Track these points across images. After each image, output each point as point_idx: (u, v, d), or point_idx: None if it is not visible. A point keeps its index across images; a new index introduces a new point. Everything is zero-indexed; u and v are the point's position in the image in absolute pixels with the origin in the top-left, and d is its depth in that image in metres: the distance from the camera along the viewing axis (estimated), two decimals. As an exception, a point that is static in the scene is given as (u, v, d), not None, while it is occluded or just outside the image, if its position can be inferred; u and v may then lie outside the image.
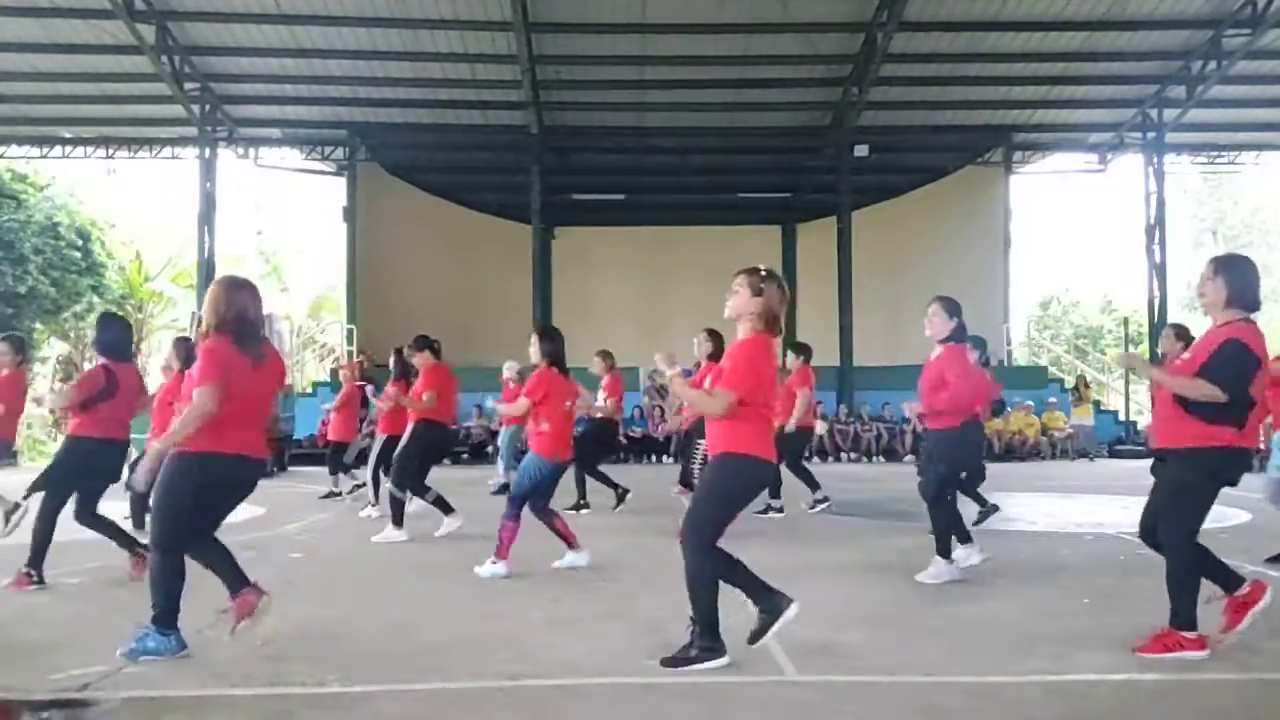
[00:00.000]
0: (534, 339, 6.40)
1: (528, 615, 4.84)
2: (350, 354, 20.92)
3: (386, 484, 8.54)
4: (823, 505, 9.23)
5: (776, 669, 3.87)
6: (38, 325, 23.58)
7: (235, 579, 4.16)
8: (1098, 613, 4.89)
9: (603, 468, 9.85)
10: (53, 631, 4.55)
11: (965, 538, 6.01)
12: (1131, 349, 28.17)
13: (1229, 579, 4.10)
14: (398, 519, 7.67)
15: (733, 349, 4.14)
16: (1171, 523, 4.09)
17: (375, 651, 4.13)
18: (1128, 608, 4.97)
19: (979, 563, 5.90)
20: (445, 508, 7.80)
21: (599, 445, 10.02)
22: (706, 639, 3.92)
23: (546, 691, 3.58)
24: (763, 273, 4.17)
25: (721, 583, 3.96)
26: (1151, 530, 4.22)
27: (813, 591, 5.37)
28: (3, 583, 5.64)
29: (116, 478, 6.06)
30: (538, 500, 6.18)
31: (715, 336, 7.88)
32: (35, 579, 5.63)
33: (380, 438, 9.17)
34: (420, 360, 8.22)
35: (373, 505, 9.26)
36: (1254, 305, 4.12)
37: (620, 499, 9.56)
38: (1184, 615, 4.00)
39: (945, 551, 5.79)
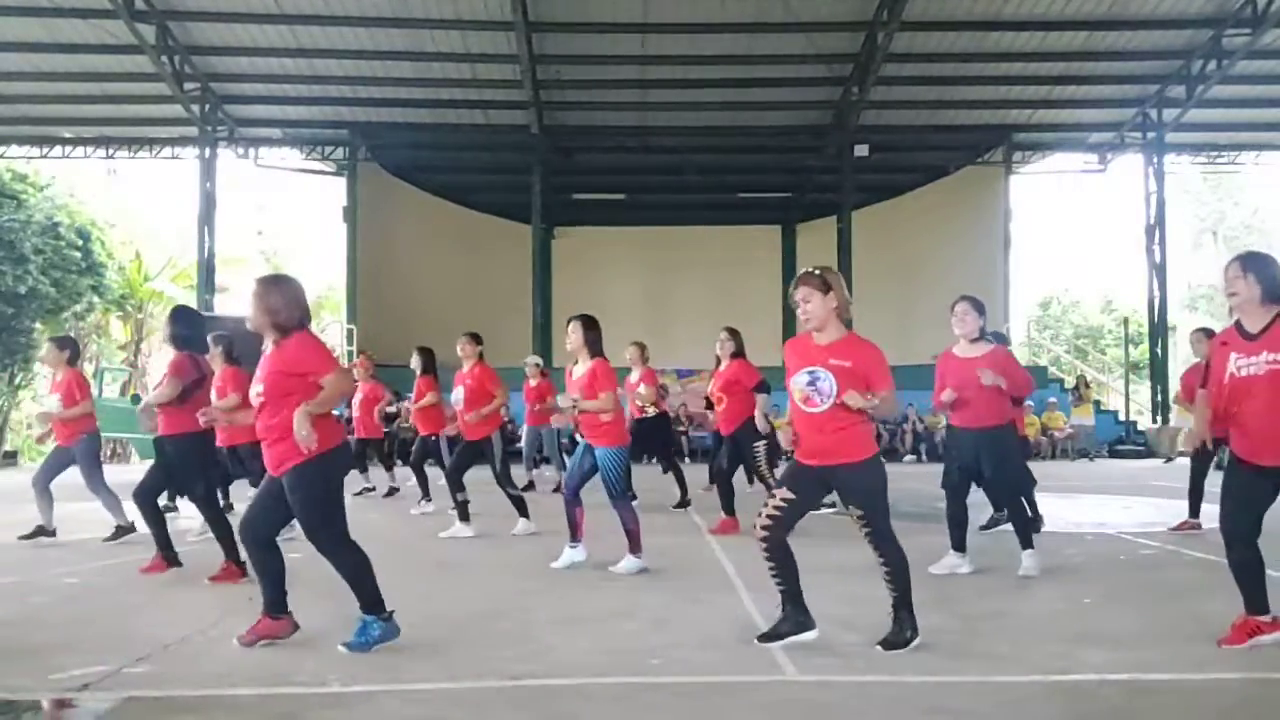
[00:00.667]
0: (579, 327, 6.13)
1: (532, 615, 4.83)
2: (351, 354, 20.92)
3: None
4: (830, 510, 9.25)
5: (778, 669, 3.86)
6: (38, 325, 23.54)
7: (279, 600, 4.24)
8: (1100, 612, 4.88)
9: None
10: (53, 631, 4.54)
11: (961, 546, 5.98)
12: (1131, 349, 28.17)
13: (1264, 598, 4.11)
14: (523, 510, 7.79)
15: (858, 350, 4.16)
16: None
17: (377, 651, 4.11)
18: (1129, 607, 4.97)
19: (966, 573, 5.88)
20: (465, 515, 7.80)
21: (664, 437, 10.14)
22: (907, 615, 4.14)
23: (549, 691, 3.57)
24: (816, 271, 4.23)
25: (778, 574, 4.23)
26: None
27: (813, 591, 5.36)
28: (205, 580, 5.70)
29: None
30: (577, 486, 6.12)
31: (736, 335, 7.92)
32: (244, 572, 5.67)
33: (428, 439, 9.26)
34: (472, 354, 8.03)
35: (426, 500, 9.48)
36: None
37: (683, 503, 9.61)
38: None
39: (1029, 541, 5.94)
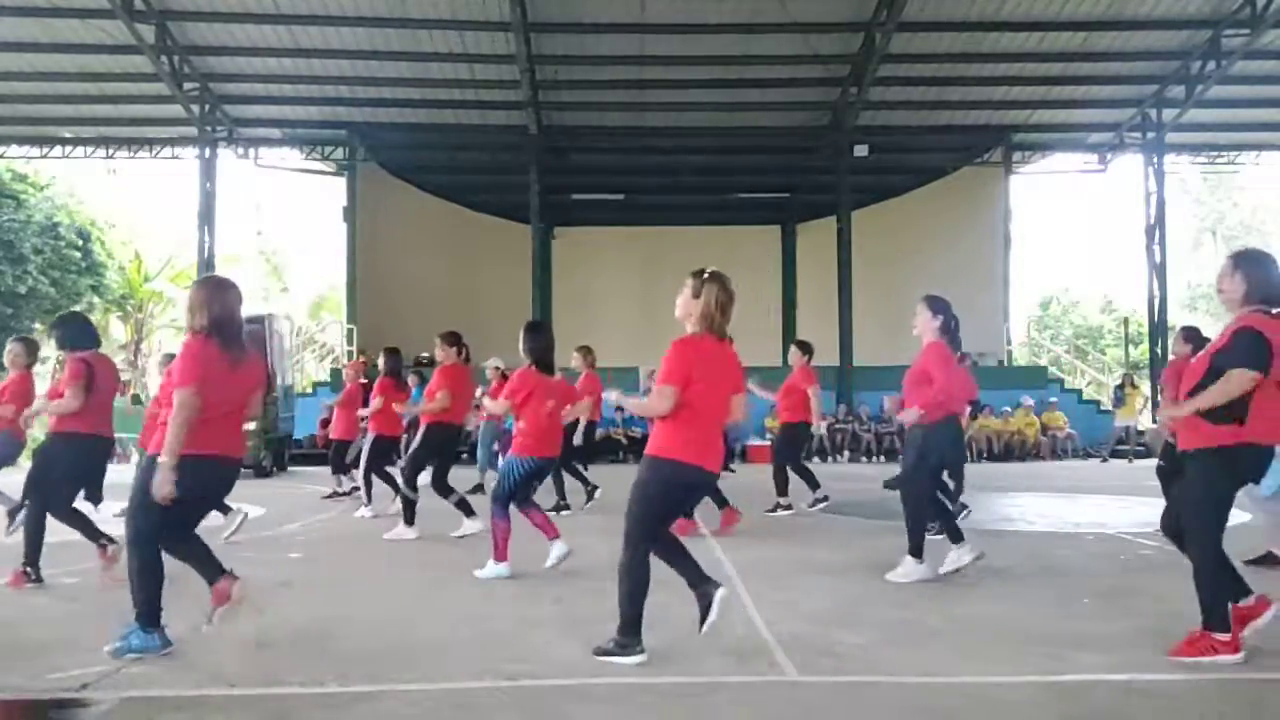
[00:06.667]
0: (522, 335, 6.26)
1: (527, 616, 4.83)
2: (350, 354, 20.96)
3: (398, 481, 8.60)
4: (821, 504, 9.24)
5: (777, 669, 3.87)
6: (38, 325, 23.56)
7: (212, 570, 4.17)
8: (1098, 613, 4.89)
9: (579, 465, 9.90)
10: (52, 631, 4.55)
11: (957, 537, 5.94)
12: (1131, 350, 28.16)
13: (1236, 586, 4.11)
14: (409, 517, 7.70)
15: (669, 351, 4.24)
16: (1192, 524, 4.08)
17: (373, 651, 4.12)
18: (1128, 608, 4.97)
19: (970, 561, 5.86)
20: (467, 510, 7.77)
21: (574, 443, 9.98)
22: None
23: (545, 691, 3.58)
24: (704, 273, 4.31)
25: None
26: (1176, 531, 4.25)
27: (812, 591, 5.37)
28: (1, 580, 5.67)
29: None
30: (520, 496, 6.12)
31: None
32: (34, 577, 5.71)
33: (369, 436, 9.15)
34: (444, 356, 7.98)
35: (366, 506, 9.26)
36: (1276, 300, 4.02)
37: (590, 495, 9.55)
38: (1215, 616, 3.96)
39: (918, 550, 5.77)
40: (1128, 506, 10.20)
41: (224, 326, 4.19)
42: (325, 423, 18.42)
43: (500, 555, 5.93)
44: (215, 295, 4.22)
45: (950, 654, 4.10)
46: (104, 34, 17.68)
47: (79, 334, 5.94)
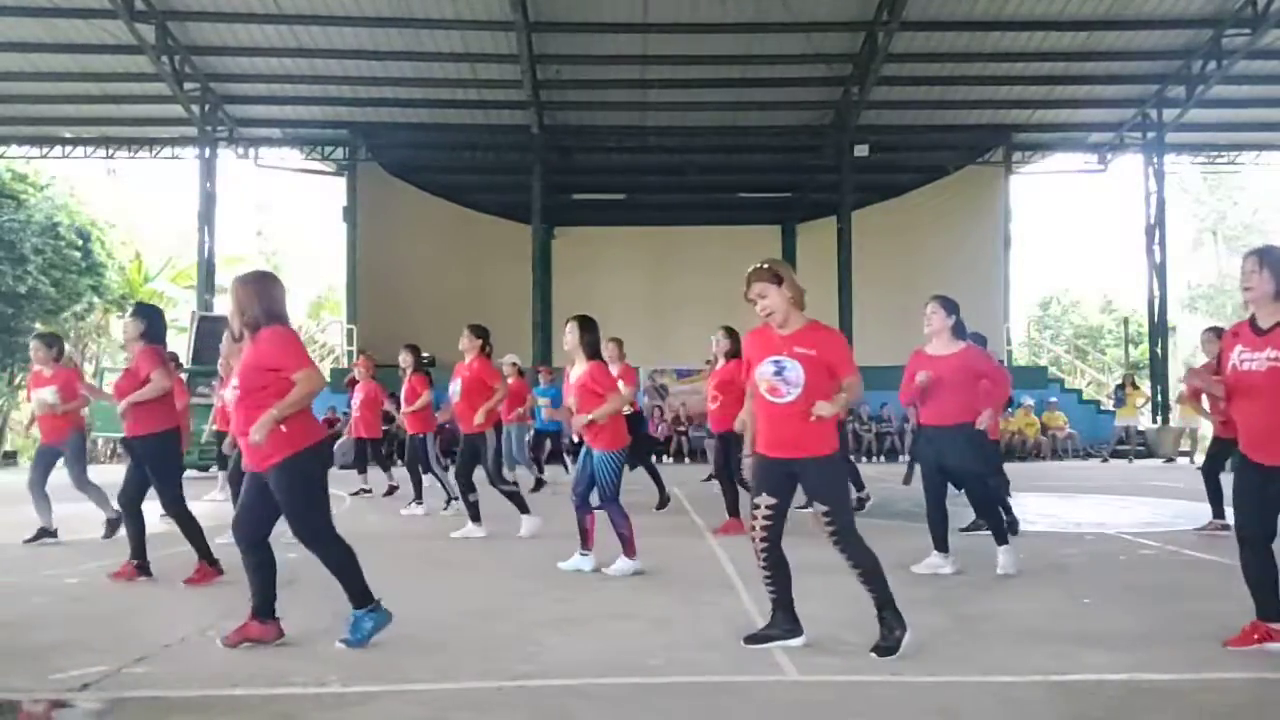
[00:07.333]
0: (574, 328, 6.10)
1: (532, 615, 4.82)
2: (351, 354, 20.96)
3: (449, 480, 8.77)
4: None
5: (778, 669, 3.86)
6: (38, 325, 23.54)
7: (266, 601, 4.23)
8: (1099, 612, 4.88)
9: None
10: (53, 631, 4.54)
11: (943, 546, 5.96)
12: (1131, 350, 28.14)
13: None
14: (522, 506, 7.82)
15: (820, 338, 4.20)
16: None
17: (377, 651, 4.11)
18: (1131, 607, 4.97)
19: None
20: (476, 515, 7.77)
21: (638, 440, 10.04)
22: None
23: (549, 691, 3.57)
24: (765, 265, 4.27)
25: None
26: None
27: (813, 591, 5.36)
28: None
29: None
30: (585, 492, 6.08)
31: (732, 334, 7.90)
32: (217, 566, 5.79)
33: (430, 437, 9.26)
34: (467, 346, 7.89)
35: (417, 502, 9.40)
36: None
37: (663, 503, 9.54)
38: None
39: (1004, 538, 5.93)
40: (1128, 506, 10.20)
41: (281, 317, 4.26)
42: (329, 422, 18.48)
43: (631, 550, 5.96)
44: (263, 288, 4.27)
45: (955, 653, 4.09)
46: (105, 34, 17.69)
47: (163, 330, 6.19)
